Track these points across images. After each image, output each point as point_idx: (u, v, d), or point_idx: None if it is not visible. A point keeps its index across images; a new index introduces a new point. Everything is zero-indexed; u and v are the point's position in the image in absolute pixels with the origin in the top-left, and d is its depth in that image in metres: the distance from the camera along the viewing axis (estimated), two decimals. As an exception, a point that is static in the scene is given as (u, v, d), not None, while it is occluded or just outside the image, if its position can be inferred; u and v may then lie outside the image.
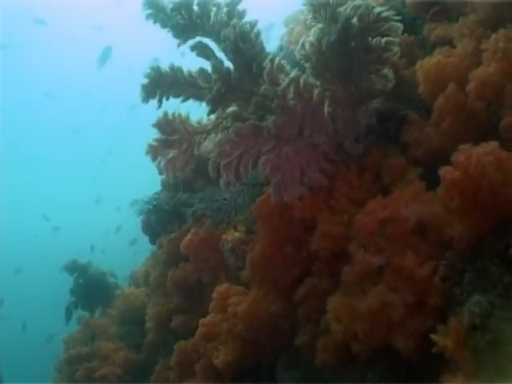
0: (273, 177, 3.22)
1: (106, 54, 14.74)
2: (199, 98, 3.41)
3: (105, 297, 7.64)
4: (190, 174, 5.52)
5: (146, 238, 6.37)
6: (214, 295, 3.91)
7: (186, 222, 5.48)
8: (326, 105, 3.37)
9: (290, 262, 3.37)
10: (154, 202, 5.74)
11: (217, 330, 3.83)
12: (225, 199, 4.03)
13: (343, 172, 3.27)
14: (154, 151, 3.46)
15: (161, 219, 5.65)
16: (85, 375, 6.42)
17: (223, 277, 4.51)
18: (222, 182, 3.38)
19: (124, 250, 15.23)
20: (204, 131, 3.57)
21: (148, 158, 3.47)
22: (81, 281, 7.66)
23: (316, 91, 3.33)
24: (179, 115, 3.42)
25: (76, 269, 7.63)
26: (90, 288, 7.55)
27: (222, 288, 3.90)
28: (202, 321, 3.96)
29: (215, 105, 3.25)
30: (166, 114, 3.39)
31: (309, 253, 3.27)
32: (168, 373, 5.06)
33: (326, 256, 3.08)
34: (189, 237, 4.74)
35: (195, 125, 3.49)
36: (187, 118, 3.46)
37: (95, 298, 7.58)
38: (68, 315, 7.58)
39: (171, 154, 3.48)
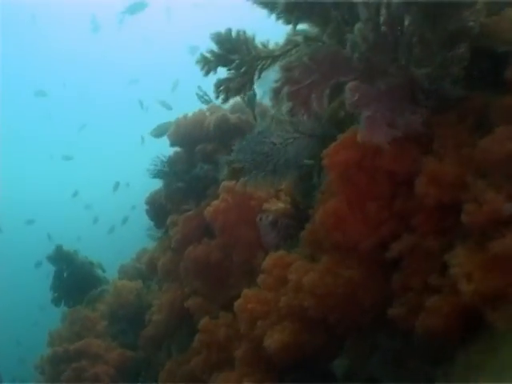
0: (363, 109, 2.65)
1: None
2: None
3: (91, 291, 6.84)
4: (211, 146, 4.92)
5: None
6: (263, 266, 3.27)
7: (204, 199, 4.85)
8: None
9: (374, 221, 2.78)
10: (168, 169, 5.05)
11: (265, 308, 3.19)
12: (273, 144, 3.41)
13: (441, 117, 2.73)
14: (206, 64, 2.86)
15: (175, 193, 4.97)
16: (73, 376, 5.61)
17: (261, 257, 3.88)
18: (285, 108, 2.81)
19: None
20: (269, 57, 2.98)
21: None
22: (65, 273, 6.82)
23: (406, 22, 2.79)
24: (244, 33, 2.83)
25: (62, 258, 6.80)
26: (76, 281, 6.74)
27: (274, 257, 3.27)
28: (245, 293, 3.33)
29: (288, 14, 2.67)
30: (229, 29, 2.80)
31: (399, 211, 2.72)
32: (182, 369, 4.36)
33: (431, 207, 2.51)
34: (217, 202, 4.10)
35: (260, 47, 2.90)
36: (252, 38, 2.87)
37: (81, 293, 6.76)
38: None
39: (227, 74, 2.91)
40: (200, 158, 5.04)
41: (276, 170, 3.52)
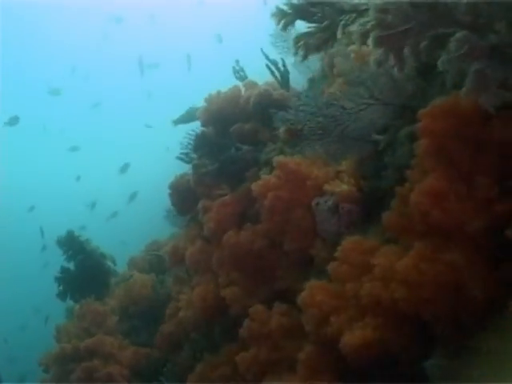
0: (472, 62, 2.22)
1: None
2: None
3: (101, 286, 6.32)
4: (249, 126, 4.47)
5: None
6: (338, 252, 2.82)
7: (240, 183, 4.40)
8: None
9: (484, 198, 2.36)
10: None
11: (339, 302, 2.75)
12: (343, 108, 2.96)
13: None
14: (283, 18, 2.45)
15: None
16: (84, 377, 5.10)
17: (320, 245, 3.44)
18: (372, 58, 2.40)
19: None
20: (355, 11, 2.54)
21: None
22: (74, 263, 6.27)
23: None
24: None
25: (72, 244, 6.27)
26: (86, 272, 6.21)
27: (350, 241, 2.83)
28: (311, 285, 2.88)
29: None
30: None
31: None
32: (218, 372, 3.89)
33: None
34: (267, 177, 3.65)
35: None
36: (335, -11, 2.44)
37: (90, 286, 6.24)
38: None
39: (306, 29, 2.49)
40: (236, 138, 4.58)
41: (343, 138, 3.08)
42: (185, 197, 4.94)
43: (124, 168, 14.94)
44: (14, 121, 13.99)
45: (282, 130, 3.28)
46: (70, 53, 21.02)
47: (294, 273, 3.58)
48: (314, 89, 4.21)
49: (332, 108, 2.98)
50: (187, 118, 5.52)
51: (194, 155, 4.91)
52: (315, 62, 4.43)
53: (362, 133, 3.13)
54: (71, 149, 16.95)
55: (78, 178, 16.53)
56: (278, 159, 3.75)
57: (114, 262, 6.46)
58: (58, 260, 6.72)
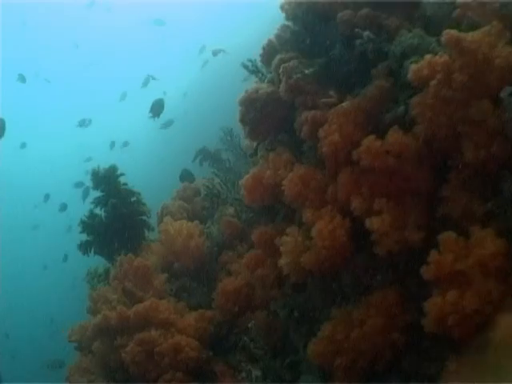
0: None
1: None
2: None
3: (135, 240, 5.10)
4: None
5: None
6: None
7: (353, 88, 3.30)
8: None
9: None
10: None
11: None
12: None
13: None
14: None
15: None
16: (142, 351, 3.96)
17: None
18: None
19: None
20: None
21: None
22: (108, 205, 4.99)
23: None
24: None
25: (109, 183, 4.98)
26: (117, 222, 4.97)
27: None
28: None
29: None
30: None
31: None
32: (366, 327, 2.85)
33: None
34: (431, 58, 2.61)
35: None
36: None
37: (121, 240, 5.02)
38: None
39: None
40: (344, 30, 3.44)
41: None
42: (266, 113, 3.78)
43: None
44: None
45: None
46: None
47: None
48: None
49: None
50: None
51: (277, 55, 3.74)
52: None
53: None
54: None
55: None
56: (449, 33, 2.67)
57: (148, 214, 5.22)
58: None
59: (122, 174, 5.06)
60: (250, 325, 3.88)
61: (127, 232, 4.96)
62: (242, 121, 3.95)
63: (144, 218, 5.12)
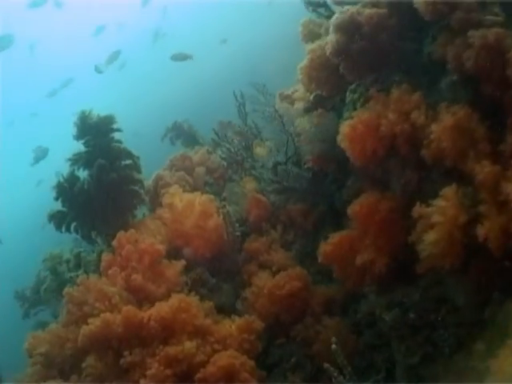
0: None
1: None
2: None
3: (123, 215, 3.66)
4: None
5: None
6: None
7: None
8: None
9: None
10: None
11: None
12: None
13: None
14: None
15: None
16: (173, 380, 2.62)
17: None
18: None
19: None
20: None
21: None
22: (94, 167, 3.49)
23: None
24: None
25: (98, 135, 3.48)
26: (103, 190, 3.49)
27: None
28: None
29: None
30: None
31: None
32: None
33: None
34: None
35: None
36: None
37: (106, 214, 3.55)
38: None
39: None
40: None
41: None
42: (378, 43, 2.72)
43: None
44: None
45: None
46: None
47: None
48: None
49: None
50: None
51: None
52: None
53: None
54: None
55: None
56: None
57: (142, 184, 3.77)
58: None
59: (118, 130, 3.62)
60: (333, 344, 2.68)
61: (115, 204, 3.52)
62: (340, 52, 2.83)
63: (136, 188, 3.70)
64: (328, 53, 2.90)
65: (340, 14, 2.88)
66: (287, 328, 3.20)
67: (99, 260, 3.41)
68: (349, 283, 2.90)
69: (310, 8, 3.66)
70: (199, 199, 3.65)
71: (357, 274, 2.81)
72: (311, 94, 3.50)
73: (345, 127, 2.74)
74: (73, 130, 3.54)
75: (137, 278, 3.07)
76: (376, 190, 2.82)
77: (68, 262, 3.71)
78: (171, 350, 2.73)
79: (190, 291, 3.31)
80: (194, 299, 3.03)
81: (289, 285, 3.16)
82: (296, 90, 3.89)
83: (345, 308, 3.25)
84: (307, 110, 3.50)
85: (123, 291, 3.07)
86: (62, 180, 3.46)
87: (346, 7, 2.90)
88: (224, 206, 3.76)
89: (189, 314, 2.90)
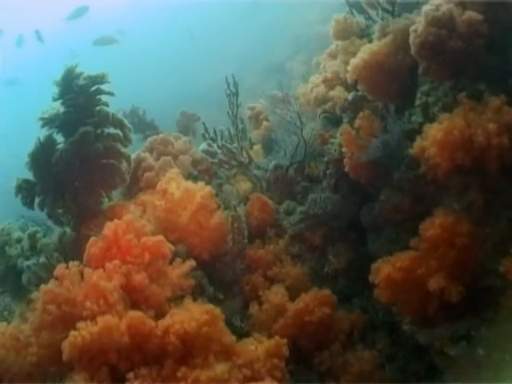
0: None
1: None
2: None
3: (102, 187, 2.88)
4: None
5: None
6: None
7: None
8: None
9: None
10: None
11: None
12: None
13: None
14: None
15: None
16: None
17: None
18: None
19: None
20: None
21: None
22: (78, 132, 2.70)
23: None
24: None
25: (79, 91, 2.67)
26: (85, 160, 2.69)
27: None
28: None
29: None
30: None
31: None
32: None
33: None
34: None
35: None
36: None
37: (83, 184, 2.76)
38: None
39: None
40: None
41: None
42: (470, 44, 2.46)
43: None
44: None
45: None
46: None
47: None
48: None
49: None
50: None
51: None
52: None
53: None
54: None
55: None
56: None
57: (128, 161, 2.97)
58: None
59: (109, 93, 2.84)
60: None
61: (90, 179, 2.73)
62: (433, 45, 2.49)
63: (119, 164, 2.92)
64: (415, 42, 2.55)
65: (432, 6, 2.58)
66: (306, 354, 2.70)
67: (61, 244, 2.61)
68: (407, 310, 2.50)
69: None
70: (202, 191, 3.00)
71: (419, 301, 2.43)
72: (349, 93, 3.14)
73: (436, 131, 2.39)
74: (53, 91, 2.73)
75: (142, 275, 2.34)
76: (442, 209, 2.51)
77: (20, 241, 2.80)
78: (202, 374, 2.07)
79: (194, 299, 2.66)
80: (218, 310, 2.38)
81: (319, 311, 2.71)
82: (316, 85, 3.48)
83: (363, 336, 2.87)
84: (343, 110, 3.12)
85: (119, 289, 2.33)
86: (37, 143, 2.60)
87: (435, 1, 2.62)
88: (235, 209, 3.15)
89: (215, 328, 2.25)
